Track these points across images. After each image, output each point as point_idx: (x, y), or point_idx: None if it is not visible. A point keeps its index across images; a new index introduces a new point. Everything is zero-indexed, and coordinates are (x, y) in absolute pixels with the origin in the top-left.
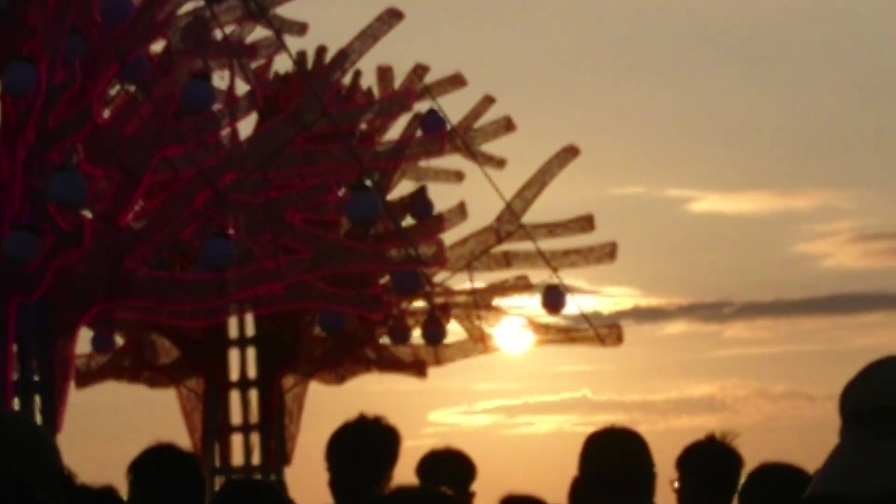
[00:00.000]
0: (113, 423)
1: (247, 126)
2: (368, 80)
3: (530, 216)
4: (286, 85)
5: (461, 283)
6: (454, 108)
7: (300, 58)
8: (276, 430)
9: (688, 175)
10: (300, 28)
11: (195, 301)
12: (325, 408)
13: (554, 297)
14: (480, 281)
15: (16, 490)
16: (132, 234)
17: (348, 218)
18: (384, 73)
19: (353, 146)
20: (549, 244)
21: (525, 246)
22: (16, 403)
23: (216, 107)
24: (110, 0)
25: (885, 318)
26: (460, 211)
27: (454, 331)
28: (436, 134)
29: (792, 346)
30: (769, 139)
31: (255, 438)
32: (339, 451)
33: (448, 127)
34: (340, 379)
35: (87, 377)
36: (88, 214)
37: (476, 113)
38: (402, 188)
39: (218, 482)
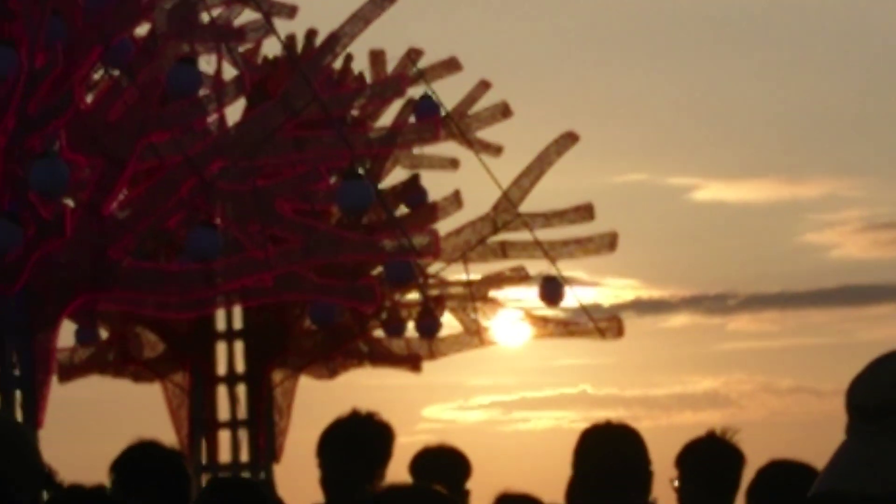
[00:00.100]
0: (97, 418)
1: (235, 112)
2: (360, 65)
3: (528, 205)
4: (275, 69)
5: (456, 274)
6: (449, 93)
7: (289, 41)
8: (265, 425)
9: (691, 162)
10: (289, 11)
11: (181, 292)
12: (316, 403)
13: (552, 289)
14: (476, 272)
15: None
16: (116, 224)
17: (339, 207)
18: (376, 57)
19: (344, 132)
20: (547, 234)
21: (522, 236)
22: None
23: (203, 92)
24: None
25: (895, 310)
26: (455, 199)
27: (449, 323)
28: (430, 120)
29: (799, 340)
30: (774, 125)
31: (243, 434)
32: (331, 447)
33: (443, 113)
34: (332, 373)
35: (70, 371)
36: (71, 203)
37: (472, 98)
38: (396, 176)
39: (205, 479)
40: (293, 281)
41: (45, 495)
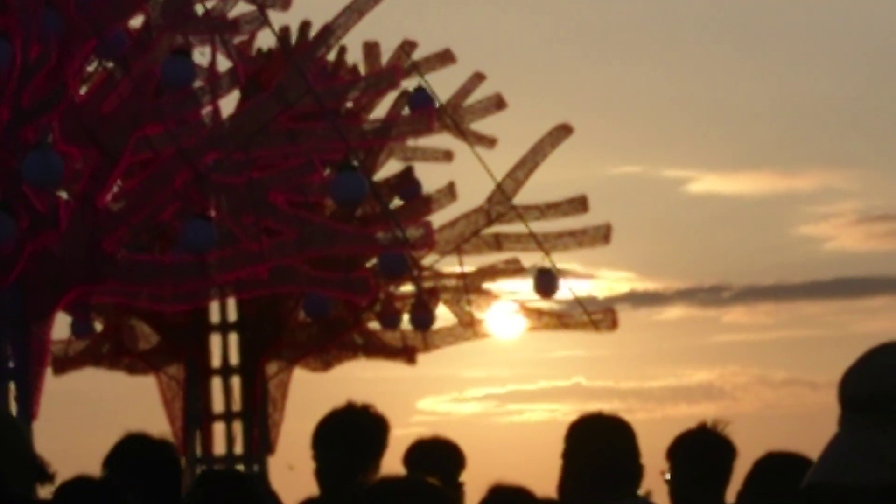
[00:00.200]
0: (91, 410)
1: (229, 104)
2: (354, 57)
3: (522, 197)
4: (269, 61)
5: (450, 266)
6: (443, 85)
7: (283, 33)
8: (259, 418)
9: (685, 154)
10: (283, 3)
11: (175, 285)
12: (311, 395)
13: (546, 281)
14: (470, 264)
15: None
16: (110, 216)
17: (334, 199)
18: (370, 49)
19: (338, 124)
20: (541, 226)
21: (516, 228)
22: None
23: (197, 84)
24: None
25: (890, 302)
26: (449, 192)
27: (443, 316)
28: (424, 112)
29: (793, 332)
30: (769, 117)
31: (237, 427)
32: (325, 439)
33: (437, 105)
34: (326, 365)
35: (65, 364)
36: (65, 195)
37: (466, 90)
38: (390, 168)
39: (200, 471)
40: (287, 273)
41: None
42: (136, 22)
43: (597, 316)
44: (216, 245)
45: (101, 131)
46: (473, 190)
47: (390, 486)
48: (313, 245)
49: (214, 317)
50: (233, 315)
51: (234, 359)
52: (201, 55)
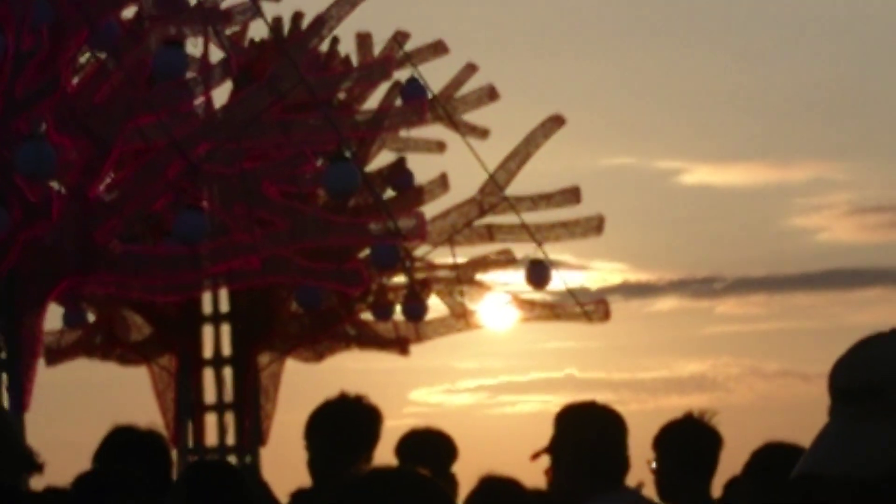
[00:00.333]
0: (83, 401)
1: (221, 94)
2: (347, 48)
3: (514, 188)
4: (262, 52)
5: (443, 257)
6: (436, 76)
7: (276, 24)
8: (251, 409)
9: (678, 146)
10: None
11: (168, 276)
12: (303, 386)
13: (539, 272)
14: (462, 255)
15: None
16: (102, 207)
17: (326, 190)
18: (363, 40)
19: (330, 115)
20: (533, 217)
21: (509, 219)
22: None
23: (189, 75)
24: None
25: (882, 293)
26: (442, 182)
27: (435, 307)
28: (416, 103)
29: (785, 323)
30: (761, 110)
31: (229, 418)
32: (318, 429)
33: (429, 96)
34: (318, 356)
35: (57, 354)
36: (57, 186)
37: (458, 81)
38: (382, 159)
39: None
40: (280, 264)
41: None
42: (129, 12)
43: (589, 307)
44: (208, 236)
45: (93, 122)
46: (466, 181)
47: (380, 476)
48: (306, 236)
49: (206, 308)
50: (225, 306)
51: (226, 350)
52: (194, 46)
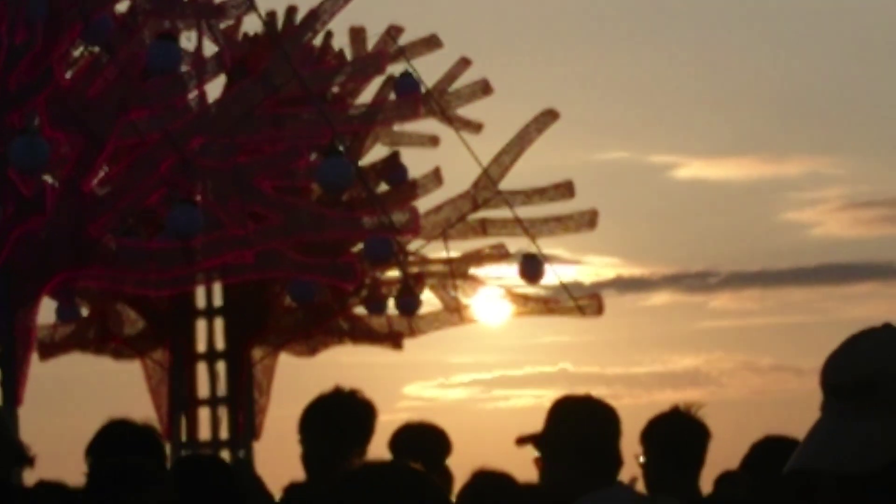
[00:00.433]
0: (77, 396)
1: (215, 89)
2: (340, 42)
3: (508, 182)
4: (255, 46)
5: (436, 251)
6: (429, 70)
7: (270, 18)
8: (244, 403)
9: (672, 140)
10: None
11: (161, 270)
12: (296, 380)
13: (532, 267)
14: (456, 249)
15: None
16: (96, 201)
17: (319, 184)
18: (357, 34)
19: (324, 110)
20: (527, 211)
21: (502, 213)
22: None
23: (183, 69)
24: None
25: (876, 288)
26: (435, 177)
27: (429, 301)
28: (410, 97)
29: (779, 318)
30: (756, 104)
31: (223, 412)
32: (313, 423)
33: (423, 90)
34: (312, 351)
35: (51, 349)
36: (50, 180)
37: (452, 75)
38: (376, 153)
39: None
40: (273, 258)
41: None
42: (122, 7)
43: (583, 301)
44: (202, 230)
45: (87, 116)
46: (459, 175)
47: (373, 470)
48: (299, 230)
49: (200, 302)
50: (218, 300)
51: (219, 344)
52: (187, 40)
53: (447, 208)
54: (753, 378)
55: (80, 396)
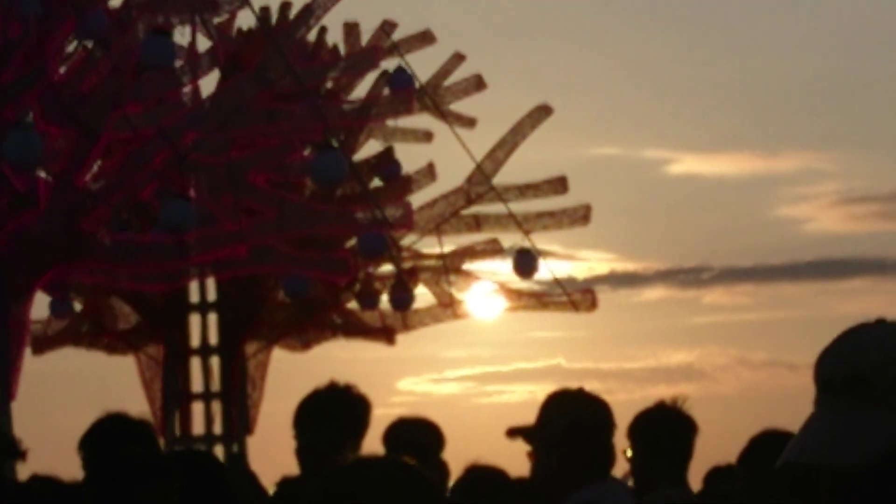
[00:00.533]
0: (70, 390)
1: (209, 84)
2: (334, 37)
3: (501, 177)
4: (249, 41)
5: (430, 246)
6: (423, 65)
7: (264, 13)
8: (238, 397)
9: (666, 136)
10: None
11: (155, 264)
12: (290, 375)
13: (526, 262)
14: (450, 244)
15: None
16: (90, 195)
17: (313, 179)
18: (350, 30)
19: (318, 105)
20: (520, 206)
21: (496, 208)
22: None
23: (177, 64)
24: None
25: (869, 283)
26: (429, 172)
27: (423, 296)
28: (404, 92)
29: (773, 313)
30: (749, 100)
31: (216, 406)
32: (307, 417)
33: (417, 85)
34: (305, 345)
35: (44, 343)
36: (44, 175)
37: (446, 71)
38: (369, 148)
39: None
40: (267, 253)
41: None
42: (116, 1)
43: (576, 297)
44: (195, 225)
45: (80, 111)
46: (453, 170)
47: (367, 465)
48: (293, 225)
49: (194, 297)
50: (212, 295)
51: (213, 339)
52: (181, 35)
53: (441, 203)
54: (747, 373)
55: (74, 391)
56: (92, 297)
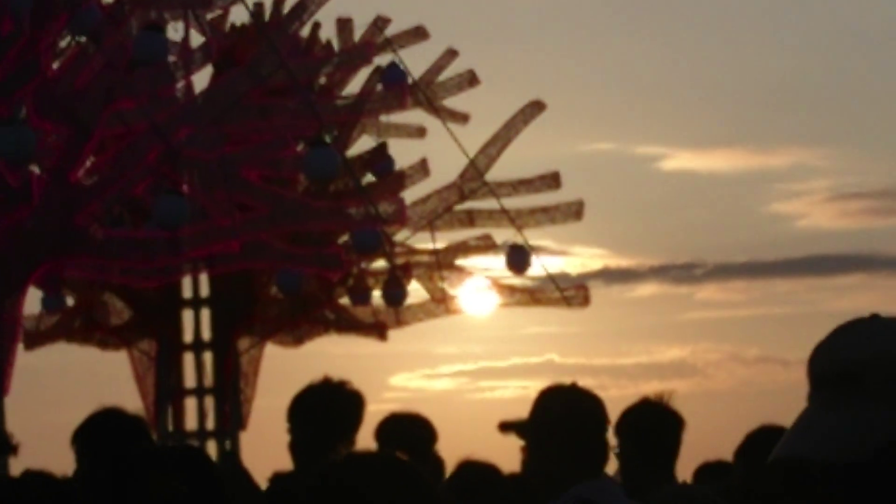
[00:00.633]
0: (63, 386)
1: (202, 79)
2: (328, 33)
3: (494, 173)
4: (242, 37)
5: (423, 242)
6: (416, 61)
7: (257, 9)
8: (231, 393)
9: (659, 132)
10: None
11: (148, 260)
12: (282, 371)
13: (519, 257)
14: (442, 240)
15: None
16: (83, 191)
17: (306, 174)
18: (344, 25)
19: (311, 100)
20: (513, 202)
21: (489, 204)
22: None
23: (170, 59)
24: None
25: (861, 280)
26: (422, 168)
27: (415, 292)
28: (397, 88)
29: (765, 309)
30: (743, 96)
31: (209, 402)
32: (302, 412)
33: (410, 81)
34: (298, 341)
35: (36, 338)
36: (37, 170)
37: (439, 66)
38: (362, 144)
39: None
40: (260, 249)
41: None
42: None
43: (569, 292)
44: (188, 220)
45: (73, 106)
46: (446, 166)
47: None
48: (286, 220)
49: (187, 292)
50: (205, 290)
51: (206, 334)
52: (174, 30)
53: (434, 199)
54: (739, 369)
55: (66, 386)
56: (85, 293)
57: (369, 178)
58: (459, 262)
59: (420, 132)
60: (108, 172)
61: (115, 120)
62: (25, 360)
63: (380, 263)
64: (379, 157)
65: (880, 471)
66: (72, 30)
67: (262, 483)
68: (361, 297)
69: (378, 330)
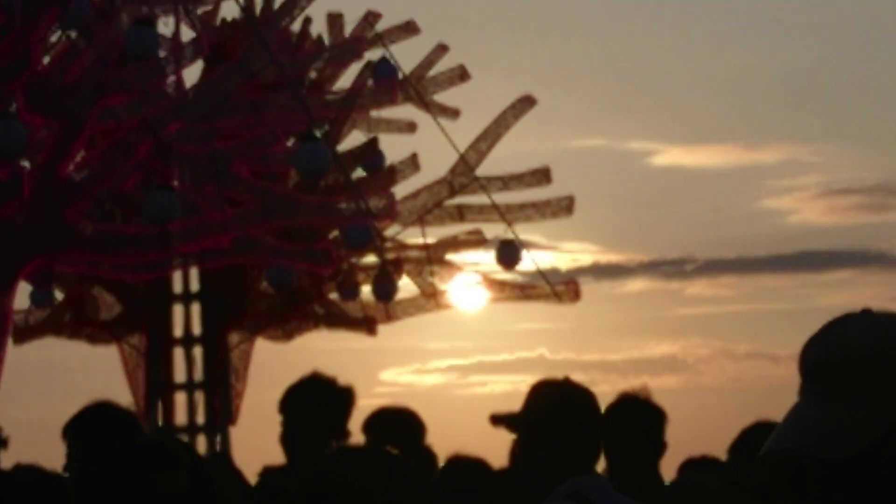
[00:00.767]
0: (52, 381)
1: (192, 74)
2: (318, 28)
3: (485, 168)
4: (233, 32)
5: (413, 237)
6: (407, 56)
7: (248, 4)
8: (221, 388)
9: (649, 127)
10: None
11: (138, 255)
12: (272, 366)
13: (509, 253)
14: (433, 235)
15: None
16: (73, 186)
17: (297, 170)
18: (334, 20)
19: (302, 95)
20: (504, 197)
21: (479, 199)
22: None
23: (161, 54)
24: None
25: (852, 275)
26: (412, 163)
27: (406, 287)
28: (388, 83)
29: (756, 305)
30: (733, 91)
31: (199, 397)
32: (293, 406)
33: (400, 76)
34: (288, 336)
35: (25, 333)
36: (27, 165)
37: (429, 61)
38: (353, 139)
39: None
40: (250, 244)
41: None
42: None
43: (559, 288)
44: (179, 215)
45: (64, 101)
46: (436, 161)
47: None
48: (276, 215)
49: (177, 287)
50: (195, 285)
51: (196, 329)
52: (165, 25)
53: (424, 194)
54: (730, 365)
55: (56, 381)
56: (74, 287)
57: (360, 172)
58: (450, 257)
59: (410, 127)
60: (98, 167)
61: (105, 115)
62: (15, 355)
63: (370, 258)
64: (369, 152)
65: (872, 464)
66: (62, 24)
67: (252, 477)
68: (351, 292)
69: (368, 325)
